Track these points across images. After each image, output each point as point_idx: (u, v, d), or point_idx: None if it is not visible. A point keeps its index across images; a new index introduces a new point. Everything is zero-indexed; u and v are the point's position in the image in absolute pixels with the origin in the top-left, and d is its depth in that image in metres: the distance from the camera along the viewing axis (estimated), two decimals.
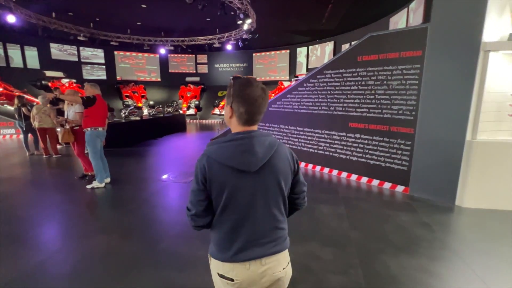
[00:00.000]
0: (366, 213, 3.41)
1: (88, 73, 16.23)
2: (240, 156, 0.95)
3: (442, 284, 2.12)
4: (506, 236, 2.84)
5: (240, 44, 14.17)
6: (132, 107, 10.51)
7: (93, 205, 3.79)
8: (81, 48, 15.72)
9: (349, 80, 4.57)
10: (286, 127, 5.80)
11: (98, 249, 2.61)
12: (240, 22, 10.19)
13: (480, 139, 3.41)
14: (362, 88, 4.41)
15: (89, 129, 4.10)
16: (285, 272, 1.08)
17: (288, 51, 16.58)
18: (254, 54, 17.60)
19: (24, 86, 12.74)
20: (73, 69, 15.24)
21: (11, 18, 9.69)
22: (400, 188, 4.12)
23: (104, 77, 16.71)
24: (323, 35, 13.92)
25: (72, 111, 4.59)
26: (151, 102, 16.24)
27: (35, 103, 6.67)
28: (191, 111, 16.70)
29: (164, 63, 18.24)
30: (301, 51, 16.02)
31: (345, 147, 4.77)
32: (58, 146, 6.92)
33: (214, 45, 15.57)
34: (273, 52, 17.10)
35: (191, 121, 16.37)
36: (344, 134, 4.75)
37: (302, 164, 5.59)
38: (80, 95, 4.32)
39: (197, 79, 18.06)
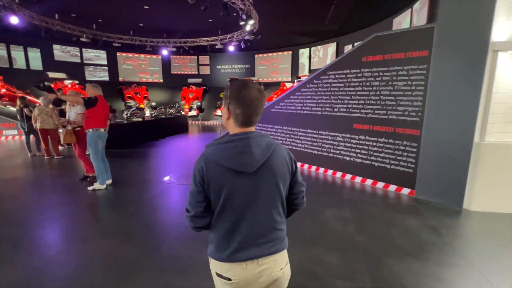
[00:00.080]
0: (371, 217, 3.34)
1: (90, 74, 16.28)
2: (237, 157, 0.95)
3: None
4: None
5: (242, 45, 14.15)
6: (134, 108, 10.51)
7: (94, 207, 3.75)
8: (83, 49, 15.78)
9: (354, 80, 4.51)
10: (289, 128, 5.74)
11: (99, 252, 2.56)
12: (242, 23, 10.16)
13: (488, 141, 3.33)
14: (366, 89, 4.35)
15: (90, 130, 4.07)
16: (282, 273, 1.08)
17: (290, 52, 16.54)
18: (256, 55, 17.58)
19: (27, 87, 12.78)
20: (75, 70, 15.29)
21: (14, 20, 9.72)
22: (405, 191, 4.04)
23: (107, 78, 16.75)
24: (325, 36, 13.87)
25: (73, 112, 4.56)
26: (153, 103, 16.25)
27: (37, 104, 6.65)
28: (193, 112, 16.70)
29: (166, 65, 18.27)
30: (303, 52, 15.97)
31: (349, 149, 4.70)
32: (60, 147, 6.91)
33: (216, 46, 15.56)
34: (275, 53, 17.07)
35: (193, 122, 16.36)
36: (348, 135, 4.68)
37: (305, 166, 5.53)
38: (82, 96, 4.29)
39: (199, 80, 18.06)
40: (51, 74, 13.87)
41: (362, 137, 4.49)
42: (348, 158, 4.74)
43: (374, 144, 4.33)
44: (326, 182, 4.73)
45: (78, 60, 15.84)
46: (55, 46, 14.78)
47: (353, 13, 10.40)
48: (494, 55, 3.20)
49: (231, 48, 15.50)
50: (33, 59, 14.15)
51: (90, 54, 16.19)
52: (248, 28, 10.98)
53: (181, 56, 18.12)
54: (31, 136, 6.81)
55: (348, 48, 13.16)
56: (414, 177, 3.92)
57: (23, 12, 10.79)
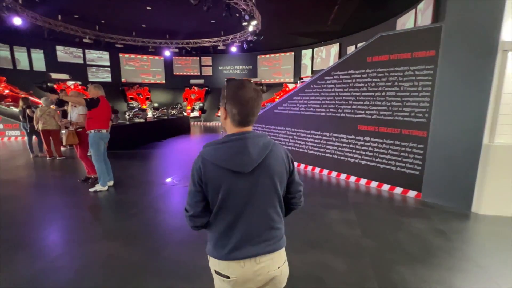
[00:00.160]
0: (378, 220, 3.26)
1: (93, 75, 16.33)
2: (234, 157, 0.97)
3: None
4: None
5: (245, 46, 14.12)
6: (136, 109, 10.48)
7: (95, 209, 3.70)
8: (86, 50, 15.84)
9: (358, 81, 4.44)
10: (293, 129, 5.67)
11: (100, 255, 2.51)
12: (245, 23, 10.12)
13: (498, 143, 3.25)
14: (372, 89, 4.28)
15: (92, 131, 4.03)
16: (280, 271, 1.09)
17: (292, 53, 16.50)
18: (258, 57, 17.56)
19: (30, 88, 12.83)
20: (78, 71, 15.34)
21: (17, 21, 9.75)
22: (412, 193, 3.96)
23: (109, 79, 16.79)
24: (328, 37, 13.82)
25: (75, 113, 4.52)
26: (156, 104, 16.26)
27: (40, 105, 6.63)
28: (196, 113, 16.69)
29: (168, 66, 18.29)
30: (306, 53, 15.93)
31: (354, 151, 4.63)
32: (62, 148, 6.88)
33: (219, 47, 15.54)
34: (277, 54, 17.04)
35: (195, 123, 16.33)
36: (353, 137, 4.61)
37: (309, 168, 5.46)
38: (84, 96, 4.25)
39: (201, 81, 18.06)
40: (54, 75, 13.91)
41: (367, 138, 4.41)
42: (352, 160, 4.67)
43: (380, 145, 4.26)
44: (330, 184, 4.65)
45: (81, 61, 15.90)
46: (58, 47, 14.85)
47: (356, 14, 10.34)
48: (504, 55, 3.12)
49: (233, 49, 15.48)
50: (36, 60, 14.22)
51: (93, 55, 16.25)
52: (250, 28, 10.94)
53: (184, 57, 18.14)
54: (34, 137, 6.79)
55: (351, 49, 13.10)
56: (420, 180, 3.84)
57: (26, 13, 10.83)
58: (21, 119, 6.78)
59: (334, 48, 14.15)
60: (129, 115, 9.77)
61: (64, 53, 15.23)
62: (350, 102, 4.59)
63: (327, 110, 4.97)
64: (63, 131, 4.41)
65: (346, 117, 4.67)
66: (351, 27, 11.98)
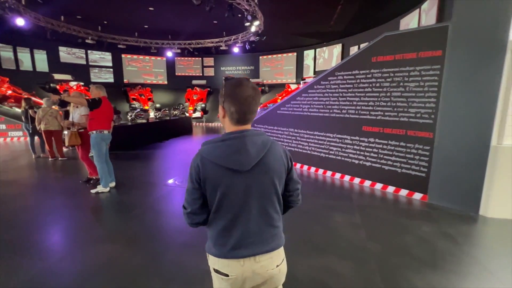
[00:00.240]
0: (383, 223, 3.20)
1: (95, 76, 16.36)
2: (232, 155, 0.97)
3: None
4: None
5: (247, 46, 14.09)
6: (138, 110, 10.47)
7: (97, 211, 3.66)
8: (89, 51, 15.87)
9: (363, 81, 4.38)
10: (296, 130, 5.62)
11: (101, 259, 2.47)
12: (247, 24, 10.09)
13: (506, 144, 3.18)
14: (376, 90, 4.22)
15: (94, 132, 3.99)
16: (279, 270, 1.10)
17: (295, 53, 16.45)
18: (260, 57, 17.52)
19: (33, 89, 12.86)
20: (81, 72, 15.38)
21: (20, 21, 9.77)
22: (417, 196, 3.89)
23: (112, 80, 16.82)
24: (331, 37, 13.76)
25: (77, 113, 4.50)
26: (158, 105, 16.24)
27: (42, 106, 6.63)
28: (197, 114, 16.66)
29: (170, 66, 18.30)
30: (308, 54, 15.87)
31: (358, 152, 4.57)
32: (64, 149, 6.87)
33: (221, 48, 15.52)
34: (279, 55, 17.00)
35: (197, 124, 16.31)
36: (357, 138, 4.55)
37: (312, 169, 5.40)
38: (85, 97, 4.23)
39: (203, 82, 18.04)
40: (57, 76, 13.95)
41: (371, 139, 4.35)
42: (356, 161, 4.61)
43: (384, 147, 4.19)
44: (333, 186, 4.59)
45: (84, 62, 15.94)
46: (61, 48, 14.89)
47: (359, 14, 10.28)
48: None
49: (235, 49, 15.45)
50: (39, 61, 14.27)
51: (96, 56, 16.29)
52: (253, 29, 10.91)
53: (186, 58, 18.14)
54: (36, 137, 6.78)
55: (353, 49, 13.03)
56: (426, 182, 3.77)
57: (29, 14, 10.86)
58: (23, 119, 6.77)
59: (337, 49, 14.09)
60: (131, 116, 9.77)
61: (66, 54, 15.28)
62: (354, 103, 4.53)
63: (331, 111, 4.91)
64: (65, 132, 4.38)
65: (350, 118, 4.61)
66: (353, 27, 11.92)
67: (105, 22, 12.89)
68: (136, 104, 15.93)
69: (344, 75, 4.64)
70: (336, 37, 13.67)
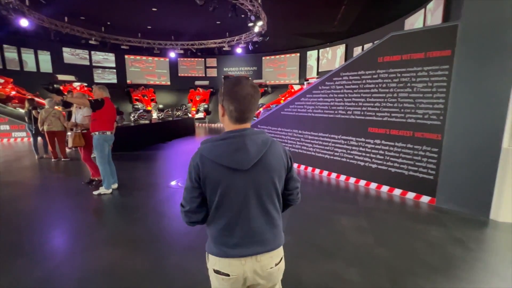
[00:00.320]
0: (391, 227, 3.12)
1: (99, 76, 16.40)
2: (232, 154, 0.96)
3: None
4: None
5: (250, 47, 14.04)
6: (141, 111, 10.47)
7: (99, 213, 3.62)
8: (92, 52, 15.92)
9: (369, 82, 4.31)
10: (300, 131, 5.55)
11: (103, 263, 2.41)
12: (251, 24, 10.04)
13: None
14: (383, 91, 4.14)
15: (97, 133, 3.95)
16: (277, 268, 1.10)
17: (298, 54, 16.38)
18: (263, 58, 17.47)
19: (37, 90, 12.91)
20: (84, 73, 15.42)
21: (24, 22, 9.79)
22: (425, 199, 3.81)
23: (115, 81, 16.86)
24: (334, 37, 13.67)
25: (80, 114, 4.46)
26: (161, 106, 16.26)
27: (45, 107, 6.61)
28: (200, 115, 16.64)
29: (173, 67, 18.31)
30: (311, 54, 15.79)
31: (363, 154, 4.49)
32: (67, 150, 6.85)
33: (224, 49, 15.48)
34: (282, 56, 16.93)
35: (200, 124, 16.29)
36: (362, 139, 4.47)
37: (317, 171, 5.32)
38: (88, 97, 4.19)
39: (206, 82, 18.02)
40: (61, 77, 14.00)
41: (377, 141, 4.27)
42: (362, 163, 4.53)
43: (391, 148, 4.11)
44: (339, 188, 4.52)
45: (87, 63, 15.99)
46: (64, 49, 14.95)
47: (363, 14, 10.19)
48: None
49: (238, 50, 15.41)
50: (43, 61, 14.33)
51: (99, 57, 16.34)
52: (256, 29, 10.86)
53: (189, 59, 18.14)
54: (39, 138, 6.78)
55: (357, 49, 12.93)
56: (434, 184, 3.68)
57: (33, 15, 10.90)
58: (27, 120, 6.77)
59: (340, 49, 14.00)
60: (134, 117, 9.75)
61: (70, 55, 15.34)
62: (360, 104, 4.45)
63: (336, 111, 4.84)
64: (69, 133, 4.34)
65: (356, 119, 4.54)
66: (357, 27, 11.82)
67: (109, 23, 12.91)
68: (139, 105, 15.95)
69: (350, 76, 4.57)
70: (340, 38, 13.58)
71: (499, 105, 3.10)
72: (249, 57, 17.53)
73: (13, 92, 11.65)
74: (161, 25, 13.03)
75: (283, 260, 1.14)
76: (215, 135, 1.03)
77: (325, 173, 5.18)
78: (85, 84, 14.43)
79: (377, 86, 4.21)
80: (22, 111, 10.08)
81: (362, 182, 4.56)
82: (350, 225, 3.14)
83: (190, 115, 14.89)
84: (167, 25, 13.12)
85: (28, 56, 13.77)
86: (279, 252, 1.11)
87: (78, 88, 13.86)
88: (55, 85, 13.57)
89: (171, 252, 2.59)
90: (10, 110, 10.55)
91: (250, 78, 1.04)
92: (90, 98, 4.03)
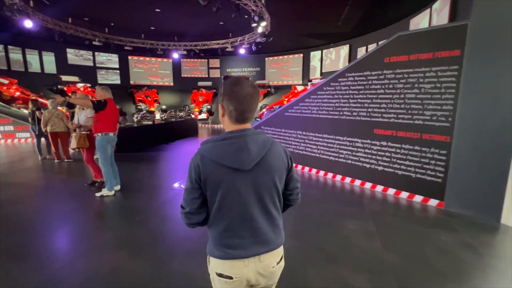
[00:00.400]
0: (399, 231, 3.04)
1: (102, 77, 16.46)
2: (234, 154, 0.95)
3: None
4: None
5: (253, 48, 14.00)
6: (144, 112, 10.45)
7: (101, 215, 3.58)
8: (96, 53, 15.98)
9: (375, 83, 4.23)
10: (304, 133, 5.49)
11: (104, 267, 2.37)
12: (254, 24, 9.99)
13: None
14: (389, 91, 4.06)
15: (99, 134, 3.92)
16: (279, 266, 1.11)
17: (301, 55, 16.31)
18: (266, 58, 17.42)
19: (41, 91, 12.96)
20: (88, 73, 15.47)
21: (28, 23, 9.83)
22: (433, 202, 3.72)
23: (118, 82, 16.91)
24: (338, 38, 13.59)
25: (83, 115, 4.44)
26: (164, 107, 16.25)
27: (47, 108, 6.61)
28: (203, 116, 16.61)
29: (176, 68, 18.33)
30: (315, 55, 15.71)
31: (369, 156, 4.41)
32: (70, 151, 6.84)
33: (227, 49, 15.46)
34: (285, 56, 16.87)
35: (203, 125, 16.26)
36: (368, 141, 4.39)
37: (321, 173, 5.25)
38: (91, 98, 4.16)
39: (209, 83, 18.00)
40: (64, 78, 14.05)
41: (383, 143, 4.19)
42: (368, 166, 4.45)
43: (398, 151, 4.03)
44: (343, 190, 4.44)
45: (91, 64, 16.05)
46: (68, 50, 15.02)
47: (368, 14, 10.11)
48: None
49: (241, 51, 15.38)
50: (48, 62, 14.40)
51: (103, 58, 16.39)
52: (260, 30, 10.80)
53: (192, 60, 18.14)
54: (42, 139, 6.77)
55: (361, 50, 12.84)
56: (443, 188, 3.60)
57: (37, 16, 10.95)
58: (30, 121, 6.77)
59: (344, 50, 13.91)
60: (137, 117, 9.74)
61: (74, 56, 15.40)
62: (366, 105, 4.38)
63: (341, 113, 4.77)
64: (74, 134, 4.30)
65: (361, 121, 4.46)
66: (361, 28, 11.73)
67: (112, 23, 12.94)
68: (142, 106, 15.95)
69: (355, 76, 4.50)
70: (344, 38, 13.49)
71: (510, 106, 3.01)
72: (252, 58, 17.49)
73: (18, 93, 11.70)
74: (164, 26, 13.03)
75: (283, 259, 1.15)
76: (215, 136, 1.01)
77: (329, 175, 5.10)
78: (89, 85, 14.48)
79: (383, 87, 4.13)
80: (26, 112, 10.12)
81: (368, 185, 4.48)
82: (356, 229, 3.07)
83: (193, 116, 14.87)
84: (170, 26, 13.13)
85: (32, 57, 13.84)
86: (280, 251, 1.12)
87: (82, 89, 13.91)
88: (59, 86, 13.62)
89: (173, 256, 2.54)
90: (15, 111, 10.58)
91: (250, 78, 1.04)
92: (93, 99, 4.00)
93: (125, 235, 2.98)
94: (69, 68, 14.91)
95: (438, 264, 2.41)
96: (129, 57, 17.20)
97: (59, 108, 6.35)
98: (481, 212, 3.31)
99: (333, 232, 3.01)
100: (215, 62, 18.31)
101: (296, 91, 13.76)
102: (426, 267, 2.36)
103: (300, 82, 16.19)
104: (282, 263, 1.15)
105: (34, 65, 13.94)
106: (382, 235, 2.94)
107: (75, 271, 2.32)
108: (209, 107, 17.04)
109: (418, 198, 3.87)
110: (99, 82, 15.92)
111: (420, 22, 8.99)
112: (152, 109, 15.55)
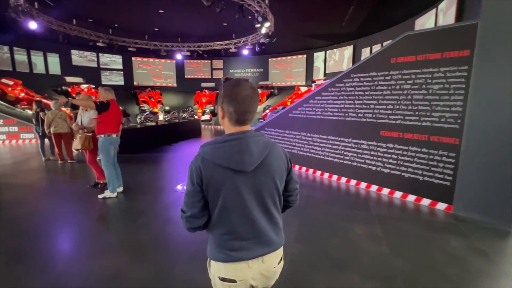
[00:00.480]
0: (407, 236, 2.96)
1: (106, 78, 16.53)
2: (235, 156, 0.95)
3: None
4: None
5: (257, 49, 13.97)
6: (148, 113, 10.47)
7: (103, 218, 3.54)
8: (100, 54, 16.06)
9: (381, 84, 4.16)
10: (308, 134, 5.42)
11: (106, 272, 2.32)
12: (258, 25, 9.95)
13: None
14: (396, 93, 3.99)
15: (102, 135, 3.89)
16: (279, 266, 1.13)
17: (305, 56, 16.25)
18: (270, 59, 17.40)
19: (45, 92, 13.04)
20: (92, 74, 15.56)
21: (33, 25, 9.89)
22: (441, 206, 3.63)
23: (122, 83, 16.97)
24: (342, 39, 13.52)
25: (87, 117, 4.41)
26: (167, 108, 16.28)
27: (50, 109, 6.61)
28: (206, 117, 16.60)
29: (180, 69, 18.36)
30: (318, 56, 15.65)
31: (375, 158, 4.33)
32: (74, 152, 6.84)
33: (230, 50, 15.45)
34: (289, 57, 16.82)
35: (206, 126, 16.24)
36: (374, 143, 4.31)
37: (326, 175, 5.18)
38: (94, 98, 4.13)
39: (212, 84, 18.01)
40: (69, 79, 14.14)
41: (390, 145, 4.11)
42: (374, 168, 4.37)
43: (404, 153, 3.95)
44: (349, 193, 4.36)
45: (95, 65, 16.14)
46: (73, 51, 15.11)
47: (372, 15, 10.02)
48: None
49: (245, 51, 15.36)
50: (52, 64, 14.50)
51: (106, 59, 16.47)
52: (263, 30, 10.76)
53: (195, 61, 18.17)
54: (46, 140, 6.78)
55: (365, 51, 12.75)
56: (451, 191, 3.51)
57: (42, 18, 11.01)
58: (34, 122, 6.78)
59: (348, 50, 13.82)
60: (140, 118, 9.74)
61: (78, 57, 15.50)
62: (372, 106, 4.30)
63: (346, 114, 4.69)
64: (79, 135, 4.28)
65: (367, 122, 4.38)
66: (366, 28, 11.65)
67: (116, 25, 12.99)
68: (145, 107, 15.99)
69: (361, 77, 4.43)
70: (348, 39, 13.42)
71: None
72: (256, 59, 17.46)
73: (22, 94, 11.78)
74: (168, 27, 13.06)
75: (282, 259, 1.16)
76: (215, 138, 1.00)
77: (334, 177, 5.03)
78: (93, 86, 14.55)
79: (390, 88, 4.06)
80: (30, 112, 10.17)
81: (374, 188, 4.40)
82: (363, 234, 3.00)
83: (196, 117, 14.86)
84: (173, 27, 13.15)
85: (37, 58, 13.95)
86: (281, 251, 1.13)
87: (85, 89, 13.97)
88: (63, 87, 13.70)
89: (176, 260, 2.49)
90: (19, 112, 10.65)
91: (249, 80, 1.03)
92: (96, 100, 3.97)
93: (127, 238, 2.93)
94: (73, 69, 15.00)
95: (449, 271, 2.33)
96: (133, 58, 17.27)
97: (63, 109, 6.35)
98: (491, 216, 3.21)
99: (339, 236, 2.94)
100: (219, 63, 18.32)
101: (299, 92, 13.69)
102: (436, 274, 2.28)
103: (304, 83, 16.13)
104: (282, 263, 1.16)
105: (39, 66, 14.05)
106: (389, 239, 2.87)
107: (76, 275, 2.28)
108: (212, 108, 17.03)
109: (425, 202, 3.79)
110: (103, 83, 16.00)
111: (425, 22, 8.89)
112: (156, 110, 15.58)
